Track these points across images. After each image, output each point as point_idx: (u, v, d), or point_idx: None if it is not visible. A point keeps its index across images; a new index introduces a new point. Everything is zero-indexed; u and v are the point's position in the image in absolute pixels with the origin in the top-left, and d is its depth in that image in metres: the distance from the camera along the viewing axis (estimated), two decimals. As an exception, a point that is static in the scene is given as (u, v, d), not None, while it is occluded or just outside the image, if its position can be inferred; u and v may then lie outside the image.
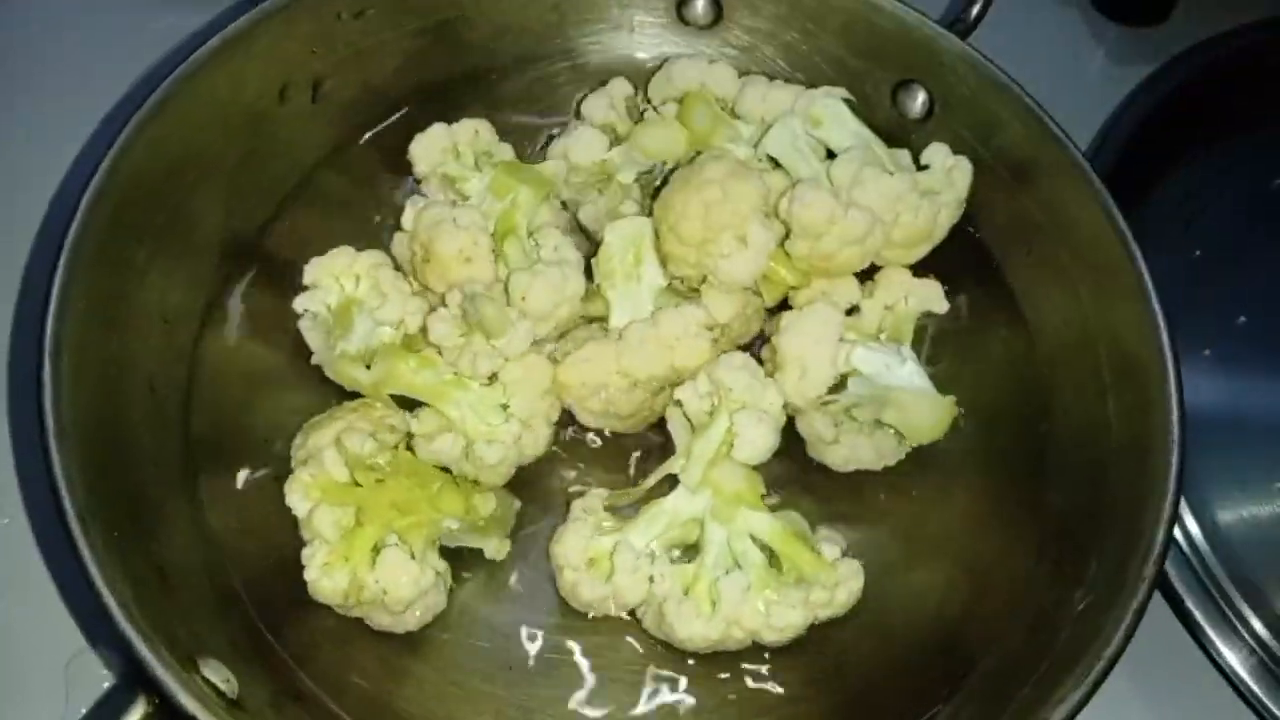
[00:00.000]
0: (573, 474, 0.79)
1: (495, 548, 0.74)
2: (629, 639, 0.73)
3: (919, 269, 0.80)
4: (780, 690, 0.72)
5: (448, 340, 0.74)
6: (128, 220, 0.73)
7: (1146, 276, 0.75)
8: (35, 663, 0.76)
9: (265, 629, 0.70)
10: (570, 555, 0.72)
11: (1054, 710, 0.63)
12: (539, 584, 0.74)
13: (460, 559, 0.74)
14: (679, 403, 0.74)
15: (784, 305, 0.80)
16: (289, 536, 0.71)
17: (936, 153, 0.82)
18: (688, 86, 0.84)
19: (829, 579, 0.71)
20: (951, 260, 0.82)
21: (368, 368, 0.75)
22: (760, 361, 0.76)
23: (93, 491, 0.64)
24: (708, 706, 0.72)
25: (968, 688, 0.71)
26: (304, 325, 0.77)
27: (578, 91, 0.89)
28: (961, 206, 0.81)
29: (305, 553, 0.69)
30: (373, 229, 0.84)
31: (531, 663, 0.72)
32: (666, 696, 0.72)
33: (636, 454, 0.80)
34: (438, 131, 0.82)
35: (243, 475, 0.75)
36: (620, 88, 0.86)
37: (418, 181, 0.83)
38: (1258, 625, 0.80)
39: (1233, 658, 0.79)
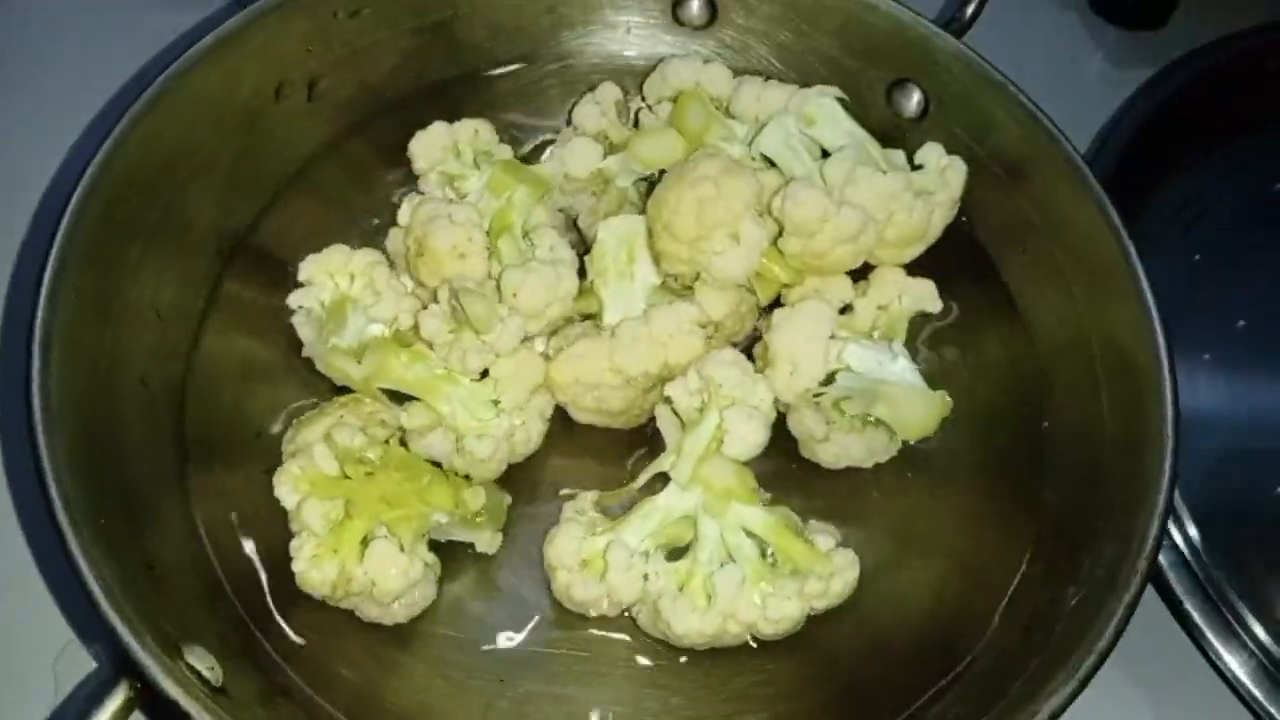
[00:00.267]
0: (566, 470, 0.78)
1: (487, 541, 0.74)
2: (621, 634, 0.73)
3: (913, 268, 0.80)
4: (773, 688, 0.71)
5: (438, 335, 0.74)
6: (120, 216, 0.73)
7: (1141, 275, 0.75)
8: (24, 656, 0.76)
9: (252, 623, 0.70)
10: (563, 557, 0.71)
11: (1044, 703, 0.62)
12: (530, 578, 0.74)
13: (452, 553, 0.74)
14: (669, 399, 0.74)
15: (778, 303, 0.79)
16: (279, 530, 0.71)
17: (931, 152, 0.82)
18: (682, 86, 0.85)
19: (824, 569, 0.70)
20: (946, 260, 0.82)
21: (359, 362, 0.75)
22: (753, 359, 0.76)
23: (81, 484, 0.64)
24: (700, 703, 0.71)
25: (960, 684, 0.70)
26: (297, 320, 0.77)
27: (572, 92, 0.89)
28: (956, 206, 0.81)
29: (293, 544, 0.69)
30: (367, 227, 0.84)
31: (522, 656, 0.72)
32: (658, 693, 0.71)
33: (630, 451, 0.79)
34: (438, 129, 0.83)
35: (233, 469, 0.75)
36: (608, 93, 0.87)
37: (415, 179, 0.83)
38: (1257, 629, 0.80)
39: (1232, 661, 0.79)
